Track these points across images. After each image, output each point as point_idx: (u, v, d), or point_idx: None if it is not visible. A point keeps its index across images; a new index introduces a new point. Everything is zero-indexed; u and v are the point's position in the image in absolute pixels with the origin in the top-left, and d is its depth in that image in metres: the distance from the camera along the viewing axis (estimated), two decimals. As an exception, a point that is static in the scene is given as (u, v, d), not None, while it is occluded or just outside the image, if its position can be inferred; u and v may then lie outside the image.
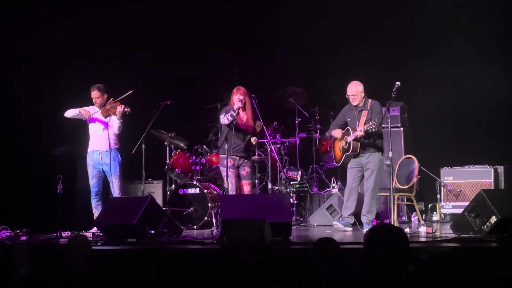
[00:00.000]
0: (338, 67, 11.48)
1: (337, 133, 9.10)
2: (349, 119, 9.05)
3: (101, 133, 9.50)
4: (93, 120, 9.54)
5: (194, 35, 11.63)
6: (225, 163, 9.00)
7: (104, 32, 11.22)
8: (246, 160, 9.23)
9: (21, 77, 10.66)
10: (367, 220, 8.76)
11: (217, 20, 11.76)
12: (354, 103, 8.93)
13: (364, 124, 8.68)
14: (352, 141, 8.82)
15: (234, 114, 9.02)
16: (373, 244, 4.03)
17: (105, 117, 9.49)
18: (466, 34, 10.61)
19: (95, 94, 9.53)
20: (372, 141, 8.81)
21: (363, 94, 8.93)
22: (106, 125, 9.48)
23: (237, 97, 9.16)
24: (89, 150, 9.59)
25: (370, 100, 8.95)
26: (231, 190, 9.12)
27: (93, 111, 9.53)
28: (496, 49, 10.57)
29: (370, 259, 4.02)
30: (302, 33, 11.52)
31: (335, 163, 9.47)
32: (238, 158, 9.16)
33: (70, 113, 9.52)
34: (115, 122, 9.48)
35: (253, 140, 9.25)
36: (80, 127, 9.79)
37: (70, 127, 9.93)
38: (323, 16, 11.45)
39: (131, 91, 9.49)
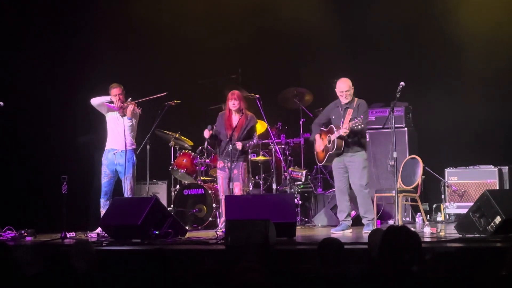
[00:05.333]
0: (342, 67, 11.47)
1: (318, 139, 9.07)
2: (333, 117, 8.98)
3: (118, 132, 9.44)
4: (113, 117, 9.49)
5: (199, 35, 11.63)
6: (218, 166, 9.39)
7: (109, 32, 11.23)
8: (236, 162, 9.23)
9: (29, 76, 10.68)
10: (367, 221, 8.72)
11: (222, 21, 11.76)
12: (347, 100, 8.85)
13: (350, 122, 8.65)
14: (336, 139, 8.75)
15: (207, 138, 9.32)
16: (388, 244, 4.04)
17: (122, 116, 9.46)
18: (470, 34, 10.59)
19: (117, 90, 9.41)
20: (356, 140, 8.74)
21: (352, 91, 8.90)
22: (122, 124, 9.46)
23: (232, 103, 9.22)
24: (106, 148, 9.56)
25: (356, 99, 8.90)
26: (220, 193, 9.29)
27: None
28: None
29: (382, 259, 4.03)
30: (307, 34, 11.51)
31: (318, 162, 9.42)
32: (227, 160, 9.19)
33: (97, 100, 9.43)
34: (127, 123, 9.45)
35: (238, 145, 9.23)
36: (91, 125, 9.78)
37: (79, 126, 9.94)
38: (328, 17, 11.43)
39: (165, 93, 9.53)
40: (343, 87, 8.88)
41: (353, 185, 8.87)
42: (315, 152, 9.35)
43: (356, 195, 8.86)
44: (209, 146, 9.75)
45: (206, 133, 9.22)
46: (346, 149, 8.78)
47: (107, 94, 9.47)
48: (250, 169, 9.80)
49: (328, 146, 8.92)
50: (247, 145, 9.32)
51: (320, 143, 9.10)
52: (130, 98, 9.50)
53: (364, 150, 8.84)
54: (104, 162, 9.55)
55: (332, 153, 8.85)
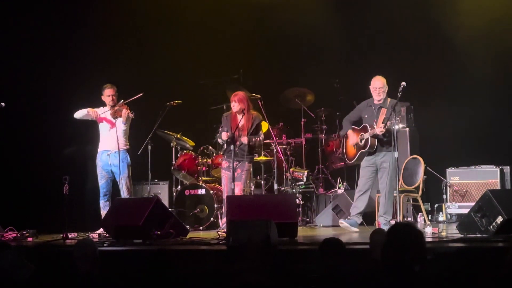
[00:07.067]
0: (344, 67, 11.48)
1: (351, 134, 9.06)
2: (366, 116, 8.96)
3: (110, 134, 9.47)
4: (102, 120, 9.53)
5: (201, 36, 11.65)
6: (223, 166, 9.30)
7: (110, 33, 11.24)
8: (241, 162, 9.23)
9: (30, 78, 10.68)
10: (385, 220, 8.70)
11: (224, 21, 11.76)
12: (380, 97, 8.83)
13: (383, 122, 8.64)
14: (370, 138, 8.76)
15: (225, 140, 9.13)
16: (393, 240, 4.05)
17: (113, 118, 9.47)
18: (472, 34, 10.58)
19: (110, 91, 9.47)
20: (389, 140, 8.68)
21: (386, 89, 8.89)
22: (114, 125, 9.47)
23: (232, 104, 9.27)
24: (99, 150, 9.58)
25: (389, 99, 8.88)
26: (224, 193, 9.23)
27: (102, 111, 9.53)
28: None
29: (386, 256, 4.03)
30: (308, 34, 11.52)
31: (347, 160, 9.39)
32: (233, 160, 9.12)
33: (79, 114, 9.49)
34: (121, 126, 9.47)
35: (243, 139, 9.18)
36: (90, 128, 9.80)
37: (79, 127, 9.95)
38: (329, 16, 11.43)
39: (141, 93, 9.49)
40: (378, 84, 8.87)
41: (382, 185, 8.82)
42: (344, 149, 9.33)
43: (382, 195, 8.83)
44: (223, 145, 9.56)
45: (224, 135, 9.15)
46: (380, 148, 8.79)
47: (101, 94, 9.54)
48: (252, 171, 9.81)
49: (361, 144, 8.91)
50: (254, 139, 9.25)
51: (352, 140, 9.07)
52: (122, 100, 9.49)
53: (395, 150, 8.79)
54: (98, 164, 9.56)
55: (364, 151, 8.85)
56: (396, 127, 8.44)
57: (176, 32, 11.53)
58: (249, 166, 9.39)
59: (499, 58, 10.46)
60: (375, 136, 8.73)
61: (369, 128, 8.81)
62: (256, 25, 11.75)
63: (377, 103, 8.89)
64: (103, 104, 9.57)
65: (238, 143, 9.13)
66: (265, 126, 10.30)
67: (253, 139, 9.24)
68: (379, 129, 8.63)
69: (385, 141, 8.74)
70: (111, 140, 9.44)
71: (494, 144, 10.65)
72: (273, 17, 11.48)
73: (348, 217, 9.04)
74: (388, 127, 8.53)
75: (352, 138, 9.09)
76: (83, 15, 11.15)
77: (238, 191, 9.14)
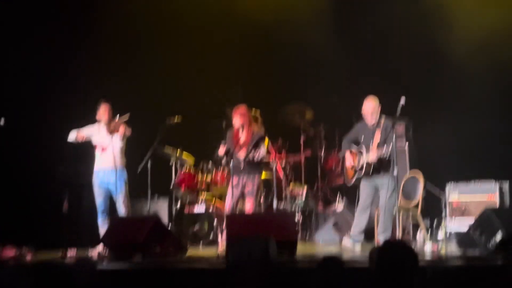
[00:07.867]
0: (344, 83, 11.50)
1: (348, 156, 9.03)
2: (362, 137, 8.96)
3: (106, 151, 9.48)
4: (95, 146, 9.53)
5: (199, 50, 11.68)
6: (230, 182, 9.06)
7: (108, 46, 11.26)
8: (250, 176, 9.09)
9: (28, 94, 10.70)
10: (384, 238, 8.70)
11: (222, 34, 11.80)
12: (373, 122, 8.83)
13: (378, 146, 8.64)
14: (365, 164, 8.76)
15: (222, 155, 9.05)
16: (384, 262, 4.03)
17: (110, 134, 9.46)
18: (470, 49, 10.61)
19: (105, 107, 9.49)
20: (386, 163, 8.70)
21: (379, 110, 8.87)
22: (105, 150, 9.47)
23: (234, 119, 9.16)
24: (95, 169, 9.57)
25: (383, 118, 8.87)
26: (226, 210, 9.06)
27: (94, 129, 9.54)
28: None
29: (380, 277, 4.02)
30: (308, 49, 11.55)
31: (345, 182, 9.40)
32: (241, 175, 9.07)
33: (70, 138, 9.53)
34: (118, 143, 9.48)
35: (239, 155, 9.08)
36: (87, 145, 9.81)
37: (75, 145, 9.95)
38: (329, 33, 11.47)
39: (128, 113, 9.47)
40: (369, 106, 8.84)
41: (382, 202, 8.81)
42: (344, 170, 9.33)
43: (382, 213, 8.81)
44: (223, 161, 9.48)
45: (221, 150, 9.08)
46: (376, 171, 8.78)
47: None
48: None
49: (357, 168, 8.92)
50: (251, 155, 8.96)
51: (350, 161, 9.06)
52: (118, 115, 9.50)
53: (394, 167, 8.75)
54: (95, 181, 9.53)
55: (361, 175, 8.86)
56: (388, 156, 8.46)
57: (175, 47, 11.54)
58: (259, 179, 9.14)
59: (497, 72, 10.47)
60: (369, 162, 8.73)
61: (364, 152, 8.80)
62: (256, 41, 11.78)
63: (371, 125, 8.88)
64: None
65: (241, 158, 9.05)
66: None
67: (251, 155, 9.00)
68: (371, 158, 8.65)
69: (382, 165, 8.73)
70: (107, 157, 9.43)
71: (494, 159, 10.63)
72: (273, 33, 11.51)
73: (350, 235, 9.02)
74: (381, 156, 8.52)
75: (350, 160, 9.07)
76: (81, 28, 11.16)
77: (250, 207, 8.99)
